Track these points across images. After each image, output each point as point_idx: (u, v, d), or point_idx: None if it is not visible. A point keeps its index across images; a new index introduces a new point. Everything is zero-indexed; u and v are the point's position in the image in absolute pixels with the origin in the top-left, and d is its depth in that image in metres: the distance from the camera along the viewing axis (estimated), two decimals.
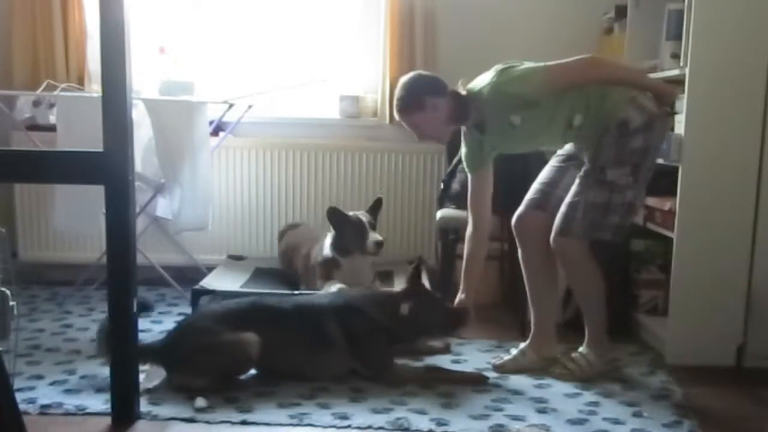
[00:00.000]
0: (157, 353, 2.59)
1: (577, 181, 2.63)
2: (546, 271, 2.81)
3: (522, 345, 2.86)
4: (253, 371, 2.66)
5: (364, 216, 3.34)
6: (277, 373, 2.65)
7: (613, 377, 2.76)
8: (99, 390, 2.49)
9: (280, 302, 2.75)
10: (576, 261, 2.68)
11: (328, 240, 3.36)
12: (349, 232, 3.29)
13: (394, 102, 2.74)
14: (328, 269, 3.32)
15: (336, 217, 3.31)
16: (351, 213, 3.35)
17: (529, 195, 2.82)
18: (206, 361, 2.52)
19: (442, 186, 3.56)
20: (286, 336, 2.63)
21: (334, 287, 3.19)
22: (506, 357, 2.84)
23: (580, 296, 2.77)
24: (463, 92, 2.69)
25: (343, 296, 2.85)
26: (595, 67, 2.64)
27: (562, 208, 2.64)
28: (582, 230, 2.61)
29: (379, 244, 3.28)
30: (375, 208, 3.45)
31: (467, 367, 2.82)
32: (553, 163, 2.83)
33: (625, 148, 2.55)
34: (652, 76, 3.24)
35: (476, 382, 2.66)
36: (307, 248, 3.48)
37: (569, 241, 2.64)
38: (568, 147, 2.79)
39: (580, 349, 2.76)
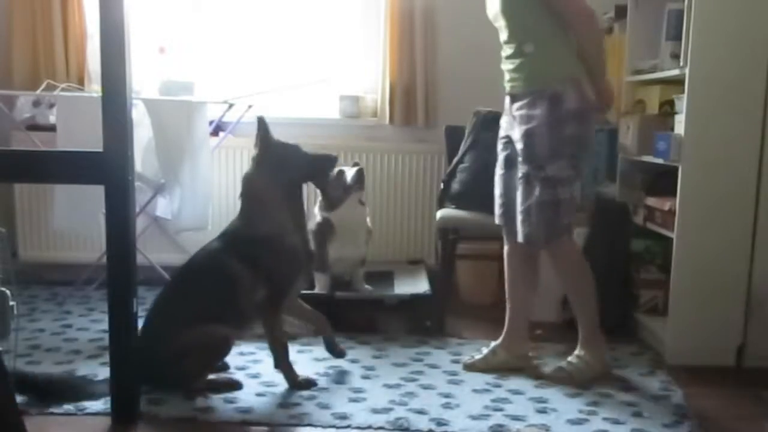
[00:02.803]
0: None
1: (519, 187, 2.61)
2: (524, 270, 2.81)
3: (493, 344, 2.85)
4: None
5: (341, 167, 3.31)
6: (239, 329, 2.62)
7: (613, 377, 2.76)
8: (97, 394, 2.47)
9: (184, 265, 2.67)
10: (566, 260, 2.68)
11: (316, 208, 3.38)
12: (330, 183, 3.21)
13: None
14: (323, 234, 3.30)
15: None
16: None
17: (496, 209, 2.81)
18: (186, 364, 2.46)
19: (442, 186, 3.56)
20: (208, 295, 2.54)
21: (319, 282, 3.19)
22: (477, 356, 2.83)
23: (571, 295, 2.77)
24: None
25: (228, 230, 2.70)
26: (586, 23, 2.55)
27: (518, 217, 2.63)
28: (542, 234, 2.60)
29: (359, 174, 3.27)
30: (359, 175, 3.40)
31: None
32: (498, 173, 2.79)
33: (558, 138, 2.53)
34: (652, 76, 3.26)
35: (301, 387, 2.58)
36: None
37: (549, 247, 2.65)
38: (504, 125, 2.75)
39: (576, 351, 2.76)
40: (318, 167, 2.78)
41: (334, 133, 4.07)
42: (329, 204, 3.32)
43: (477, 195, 3.31)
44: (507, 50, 2.65)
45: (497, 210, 2.81)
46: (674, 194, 2.89)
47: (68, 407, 2.37)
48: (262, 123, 2.71)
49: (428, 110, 3.97)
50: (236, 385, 2.58)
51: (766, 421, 2.33)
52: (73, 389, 2.47)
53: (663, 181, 3.13)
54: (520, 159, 2.61)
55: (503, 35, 2.65)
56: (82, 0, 3.88)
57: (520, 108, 2.60)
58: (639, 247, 3.33)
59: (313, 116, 4.12)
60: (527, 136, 2.57)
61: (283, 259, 2.60)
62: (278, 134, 3.97)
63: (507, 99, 2.72)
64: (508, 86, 2.68)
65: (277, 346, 2.64)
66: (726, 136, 2.82)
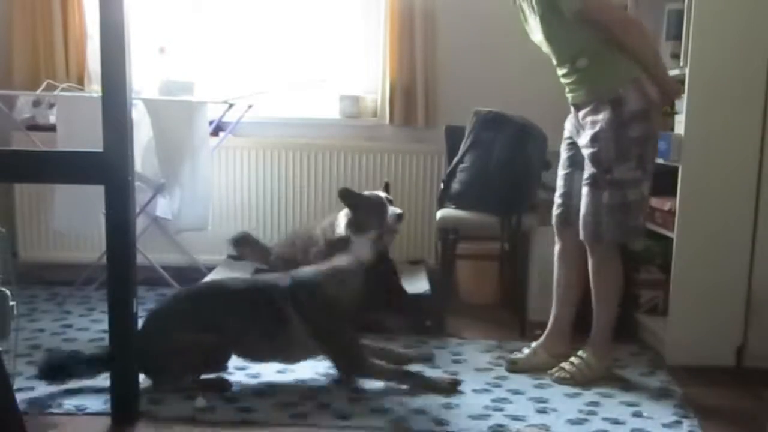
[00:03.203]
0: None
1: (585, 189, 2.61)
2: (576, 273, 2.79)
3: (534, 344, 2.86)
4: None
5: (381, 193, 3.33)
6: (251, 358, 2.64)
7: (613, 377, 2.76)
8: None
9: (232, 286, 2.69)
10: (606, 261, 2.67)
11: (342, 219, 3.31)
12: (367, 209, 3.25)
13: None
14: (338, 250, 3.26)
15: (351, 196, 3.27)
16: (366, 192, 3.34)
17: (555, 209, 2.82)
18: (175, 364, 2.48)
19: (442, 186, 3.55)
20: (242, 321, 2.56)
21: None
22: (519, 355, 2.84)
23: (597, 297, 2.73)
24: None
25: (297, 273, 2.72)
26: (631, 30, 2.56)
27: (585, 219, 2.62)
28: (612, 234, 2.60)
29: (399, 216, 3.26)
30: (386, 190, 3.45)
31: (467, 367, 2.83)
32: (560, 171, 2.82)
33: (623, 140, 2.53)
34: None
35: (447, 391, 2.56)
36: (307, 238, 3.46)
37: (602, 247, 2.65)
38: (569, 128, 2.76)
39: (580, 352, 2.76)
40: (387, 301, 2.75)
41: (334, 133, 4.07)
42: (358, 227, 3.26)
43: (477, 195, 3.32)
44: (561, 70, 2.67)
45: (555, 210, 2.81)
46: (674, 194, 2.89)
47: (68, 407, 2.37)
48: (387, 193, 2.79)
49: (428, 110, 3.97)
50: (226, 386, 2.56)
51: (766, 421, 2.33)
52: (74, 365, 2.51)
53: (663, 181, 3.13)
54: (586, 162, 2.61)
55: (554, 58, 2.68)
56: (82, 0, 3.88)
57: (586, 115, 2.61)
58: (639, 247, 3.33)
59: (313, 116, 4.12)
60: (593, 141, 2.57)
61: (338, 326, 2.61)
62: (278, 134, 4.02)
63: (571, 107, 2.73)
64: (569, 97, 2.70)
65: (397, 377, 2.62)
66: (726, 136, 2.82)
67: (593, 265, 2.70)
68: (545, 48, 2.68)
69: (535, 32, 2.67)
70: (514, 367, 2.79)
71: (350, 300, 2.61)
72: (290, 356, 2.66)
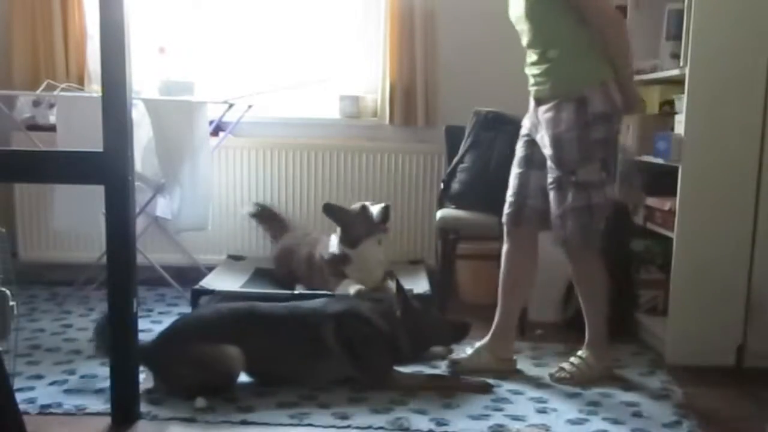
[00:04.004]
0: (143, 356, 2.46)
1: (552, 192, 2.60)
2: (523, 273, 2.79)
3: (478, 344, 2.83)
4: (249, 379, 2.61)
5: (365, 203, 3.33)
6: (274, 381, 2.60)
7: (613, 377, 2.76)
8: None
9: (275, 309, 2.68)
10: (589, 266, 2.68)
11: (334, 238, 3.33)
12: (352, 220, 3.25)
13: None
14: (338, 266, 3.28)
15: (333, 211, 3.28)
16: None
17: (506, 207, 2.78)
18: (186, 375, 2.47)
19: (442, 186, 3.56)
20: (280, 345, 2.58)
21: (351, 288, 3.16)
22: (462, 355, 2.82)
23: (584, 297, 2.75)
24: None
25: (342, 302, 2.79)
26: (616, 29, 2.54)
27: (554, 222, 2.61)
28: (579, 239, 2.59)
29: (386, 210, 3.24)
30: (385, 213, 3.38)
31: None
32: (514, 170, 2.77)
33: (587, 142, 2.51)
34: (652, 76, 3.26)
35: (479, 390, 2.60)
36: (307, 249, 3.46)
37: (571, 251, 2.65)
38: (527, 125, 2.73)
39: (580, 352, 2.76)
40: (453, 337, 2.82)
41: (334, 133, 4.07)
42: (350, 242, 3.26)
43: (477, 195, 3.32)
44: (531, 55, 2.64)
45: (507, 208, 2.77)
46: (674, 194, 2.89)
47: (68, 407, 2.37)
48: (400, 289, 2.75)
49: (428, 110, 3.96)
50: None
51: (766, 422, 2.33)
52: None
53: (663, 181, 3.13)
54: (549, 164, 2.59)
55: (525, 39, 2.63)
56: (82, 0, 3.88)
57: (547, 111, 2.58)
58: (639, 247, 3.33)
59: (313, 116, 4.12)
60: (556, 142, 2.55)
61: (378, 346, 2.64)
62: (278, 134, 4.02)
63: (532, 101, 2.71)
64: (533, 90, 2.67)
65: (428, 384, 2.63)
66: (726, 136, 2.82)
67: (573, 268, 2.71)
68: (520, 26, 2.62)
69: (516, 6, 2.62)
70: (457, 368, 2.76)
71: (394, 334, 2.66)
72: (312, 381, 2.62)
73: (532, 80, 2.66)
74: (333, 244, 3.32)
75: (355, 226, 3.25)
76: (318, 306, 2.72)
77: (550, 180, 2.60)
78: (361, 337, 2.62)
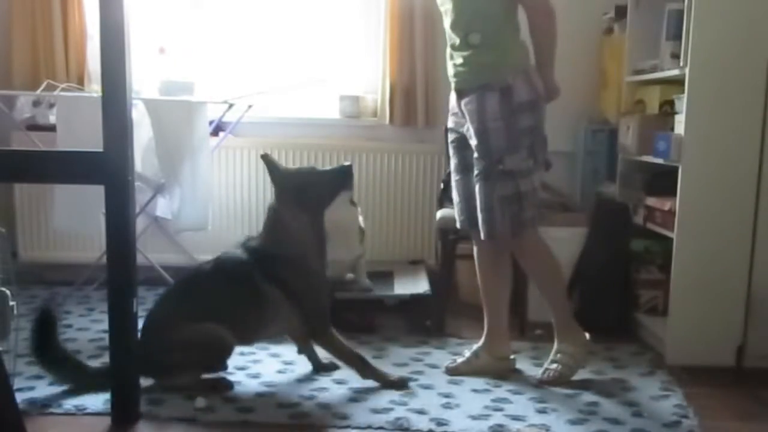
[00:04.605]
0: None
1: (480, 183, 2.56)
2: (496, 270, 2.79)
3: (475, 346, 2.83)
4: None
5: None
6: (244, 340, 2.63)
7: (613, 377, 2.76)
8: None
9: (205, 272, 2.66)
10: (533, 254, 2.66)
11: None
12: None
13: None
14: None
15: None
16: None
17: (458, 214, 2.77)
18: (181, 360, 2.48)
19: (442, 186, 3.55)
20: (224, 301, 2.56)
21: None
22: (459, 359, 2.82)
23: (540, 287, 2.74)
24: None
25: (255, 248, 2.68)
26: (547, 19, 2.49)
27: (481, 215, 2.58)
28: (508, 229, 2.56)
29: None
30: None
31: None
32: (454, 178, 2.74)
33: (513, 130, 2.49)
34: (652, 76, 3.26)
35: (394, 386, 2.59)
36: None
37: (507, 241, 2.63)
38: (453, 122, 2.69)
39: (556, 346, 2.73)
40: (338, 181, 2.76)
41: (334, 133, 4.07)
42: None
43: None
44: (452, 38, 2.58)
45: (459, 215, 2.76)
46: (674, 194, 2.89)
47: (68, 407, 2.37)
48: (267, 161, 2.70)
49: (428, 110, 3.96)
50: (226, 387, 2.57)
51: (766, 421, 2.33)
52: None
53: (663, 181, 3.13)
54: (475, 156, 2.55)
55: (448, 19, 2.59)
56: (82, 0, 3.88)
57: (469, 103, 2.54)
58: (639, 247, 3.33)
59: (313, 116, 4.12)
60: (482, 132, 2.51)
61: (313, 282, 2.63)
62: (278, 134, 4.02)
63: (453, 96, 2.66)
64: (453, 81, 2.62)
65: (351, 359, 2.65)
66: (726, 136, 2.82)
67: (517, 257, 2.70)
68: (444, 6, 2.59)
69: None
70: (455, 372, 2.76)
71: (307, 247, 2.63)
72: (270, 328, 2.64)
73: (452, 70, 2.62)
74: None
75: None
76: (242, 257, 2.67)
77: (476, 172, 2.56)
78: (290, 276, 2.59)
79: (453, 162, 2.75)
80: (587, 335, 2.75)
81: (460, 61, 2.57)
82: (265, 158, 2.70)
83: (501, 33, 2.53)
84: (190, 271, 2.77)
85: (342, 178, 2.77)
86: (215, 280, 2.62)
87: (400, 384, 2.61)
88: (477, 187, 2.58)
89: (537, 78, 2.53)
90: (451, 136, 2.75)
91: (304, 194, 2.65)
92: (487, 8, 2.51)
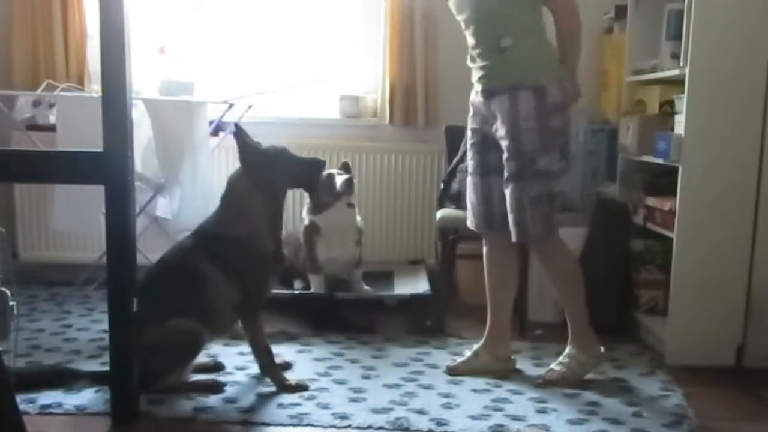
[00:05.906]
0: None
1: (511, 184, 2.54)
2: (505, 271, 2.80)
3: (475, 346, 2.84)
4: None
5: (332, 171, 3.33)
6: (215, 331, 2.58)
7: (613, 377, 2.76)
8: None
9: (151, 270, 2.62)
10: (558, 257, 2.66)
11: (305, 209, 3.41)
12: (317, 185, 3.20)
13: None
14: (310, 236, 3.35)
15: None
16: None
17: (474, 218, 2.74)
18: (162, 357, 2.44)
19: (442, 186, 3.56)
20: (177, 294, 2.51)
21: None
22: (459, 359, 2.82)
23: (561, 292, 2.73)
24: None
25: (201, 229, 2.64)
26: (575, 22, 2.52)
27: (512, 216, 2.56)
28: (540, 229, 2.55)
29: (348, 182, 3.28)
30: (345, 169, 3.44)
31: None
32: (473, 178, 2.72)
33: (547, 130, 2.49)
34: (652, 76, 3.26)
35: (290, 390, 2.56)
36: (299, 243, 3.48)
37: (537, 243, 2.64)
38: (475, 122, 2.68)
39: (567, 350, 2.73)
40: (306, 172, 2.72)
41: (334, 133, 4.07)
42: (316, 208, 3.33)
43: None
44: (479, 45, 2.57)
45: (475, 217, 2.74)
46: (674, 194, 2.89)
47: (68, 407, 2.37)
48: (239, 130, 2.67)
49: (428, 110, 3.96)
50: (219, 388, 2.55)
51: (767, 421, 2.33)
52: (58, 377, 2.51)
53: (663, 181, 3.13)
54: (506, 156, 2.54)
55: (474, 28, 2.56)
56: (82, 0, 3.88)
57: (501, 103, 2.53)
58: (639, 247, 3.33)
59: (313, 116, 4.12)
60: (515, 132, 2.51)
61: (252, 262, 2.57)
62: (278, 134, 4.01)
63: (478, 97, 2.65)
64: (482, 83, 2.60)
65: (260, 350, 2.62)
66: (726, 136, 2.82)
67: (541, 261, 2.71)
68: (465, 14, 2.56)
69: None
70: (455, 371, 2.75)
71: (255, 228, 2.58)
72: (223, 312, 2.57)
73: (479, 73, 2.60)
74: (304, 216, 3.40)
75: (322, 194, 3.25)
76: (185, 243, 2.65)
77: (507, 173, 2.55)
78: (232, 255, 2.54)
79: (472, 164, 2.73)
80: (602, 349, 2.74)
81: (489, 62, 2.56)
82: (238, 128, 2.66)
83: (531, 36, 2.53)
84: (142, 273, 2.68)
85: (311, 170, 2.73)
86: (163, 274, 2.59)
87: (297, 389, 2.57)
88: (508, 189, 2.56)
89: (566, 81, 2.54)
90: (472, 138, 2.73)
91: (266, 173, 2.61)
92: (516, 13, 2.51)
